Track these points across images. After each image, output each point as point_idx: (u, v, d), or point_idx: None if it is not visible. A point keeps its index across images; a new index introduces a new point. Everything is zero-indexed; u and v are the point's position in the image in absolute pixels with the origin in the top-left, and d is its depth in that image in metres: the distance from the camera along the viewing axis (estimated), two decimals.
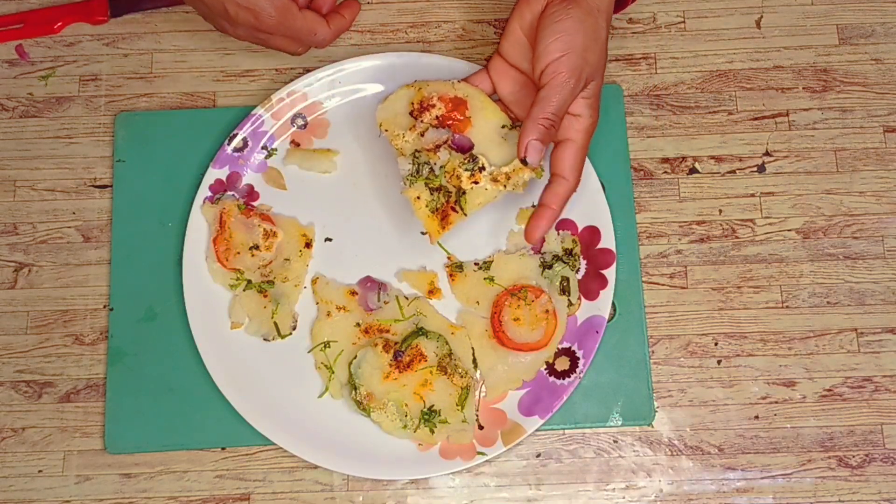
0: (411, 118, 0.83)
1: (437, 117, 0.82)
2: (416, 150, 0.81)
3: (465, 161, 0.80)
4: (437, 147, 0.81)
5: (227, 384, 0.82)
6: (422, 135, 0.82)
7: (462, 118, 0.82)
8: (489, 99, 0.83)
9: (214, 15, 0.82)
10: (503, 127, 0.82)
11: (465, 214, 0.80)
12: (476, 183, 0.80)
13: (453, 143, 0.81)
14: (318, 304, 0.85)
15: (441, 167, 0.81)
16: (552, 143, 0.80)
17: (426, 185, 0.81)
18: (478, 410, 0.82)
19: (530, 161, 0.77)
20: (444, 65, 0.88)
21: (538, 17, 0.79)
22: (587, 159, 0.83)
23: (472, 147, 0.81)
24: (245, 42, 0.85)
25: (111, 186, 0.89)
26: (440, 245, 0.86)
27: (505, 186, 0.80)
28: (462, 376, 0.82)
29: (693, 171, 0.88)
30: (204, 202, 0.86)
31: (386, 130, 0.83)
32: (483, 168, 0.80)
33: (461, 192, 0.80)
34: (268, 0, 0.80)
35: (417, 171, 0.81)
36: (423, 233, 0.84)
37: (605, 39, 0.79)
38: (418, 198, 0.81)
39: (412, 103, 0.83)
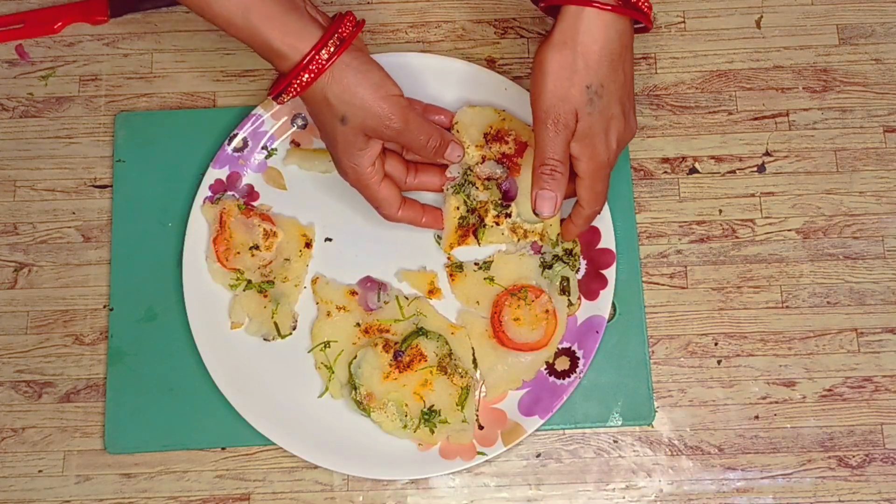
0: (481, 137, 0.85)
1: (503, 153, 0.85)
2: (468, 168, 0.84)
3: (499, 201, 0.84)
4: (488, 179, 0.84)
5: (227, 384, 0.82)
6: (483, 159, 0.85)
7: (518, 161, 0.85)
8: None
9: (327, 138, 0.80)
10: None
11: (479, 243, 0.85)
12: (497, 224, 0.84)
13: (501, 184, 0.84)
14: (318, 304, 0.85)
15: (478, 194, 0.84)
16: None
17: (465, 201, 0.84)
18: (478, 410, 0.82)
19: (541, 212, 0.77)
20: (444, 65, 0.88)
21: None
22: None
23: (513, 198, 0.84)
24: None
25: (111, 186, 0.89)
26: (437, 244, 0.86)
27: (518, 240, 0.84)
28: (462, 376, 0.82)
29: (693, 171, 0.88)
30: (204, 202, 0.86)
31: (457, 131, 0.85)
32: (509, 215, 0.84)
33: (483, 223, 0.84)
34: (347, 161, 0.78)
35: (461, 186, 0.84)
36: (438, 237, 0.86)
37: (582, 74, 0.74)
38: (457, 208, 0.84)
39: (491, 127, 0.85)
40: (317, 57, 0.74)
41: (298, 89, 0.75)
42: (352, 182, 0.80)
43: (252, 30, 0.74)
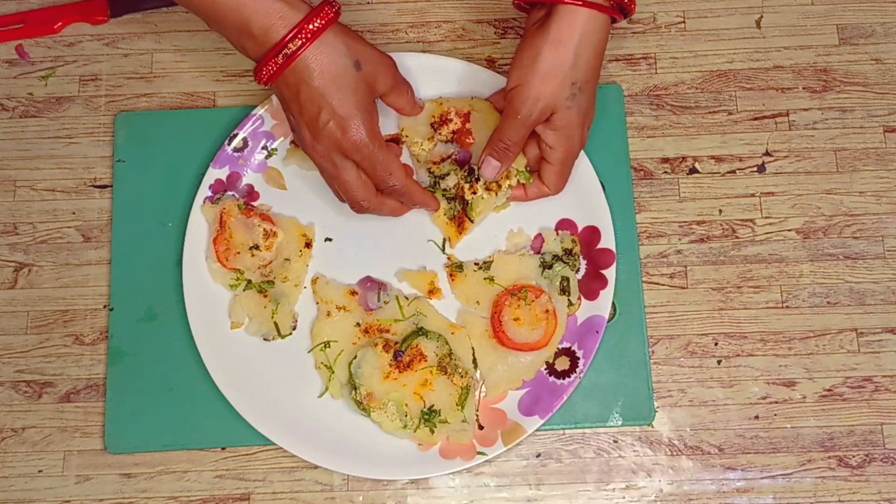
0: (430, 129, 0.86)
1: (452, 132, 0.86)
2: (430, 163, 0.86)
3: (465, 174, 0.85)
4: (443, 160, 0.85)
5: (227, 384, 0.82)
6: (434, 146, 0.86)
7: (466, 129, 0.86)
8: (496, 112, 0.86)
9: (302, 119, 0.78)
10: None
11: (472, 221, 0.85)
12: (475, 193, 0.84)
13: (457, 156, 0.85)
14: (318, 304, 0.85)
15: (445, 177, 0.85)
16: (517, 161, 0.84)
17: (443, 195, 0.85)
18: (478, 410, 0.82)
19: (484, 175, 0.83)
20: (444, 65, 0.88)
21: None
22: (587, 159, 0.85)
23: (469, 160, 0.85)
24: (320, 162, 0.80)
25: (111, 186, 0.89)
26: (437, 244, 0.86)
27: (497, 194, 0.84)
28: (462, 376, 0.82)
29: (693, 171, 0.88)
30: (204, 202, 0.86)
31: (406, 136, 0.86)
32: (479, 179, 0.84)
33: (465, 203, 0.85)
34: (364, 113, 0.77)
35: (435, 184, 0.85)
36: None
37: (570, 71, 0.77)
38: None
39: (433, 116, 0.86)
40: (325, 8, 0.76)
41: (310, 35, 0.75)
42: (366, 141, 0.77)
43: (240, 5, 0.75)
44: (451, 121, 0.86)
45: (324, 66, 0.75)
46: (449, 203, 0.85)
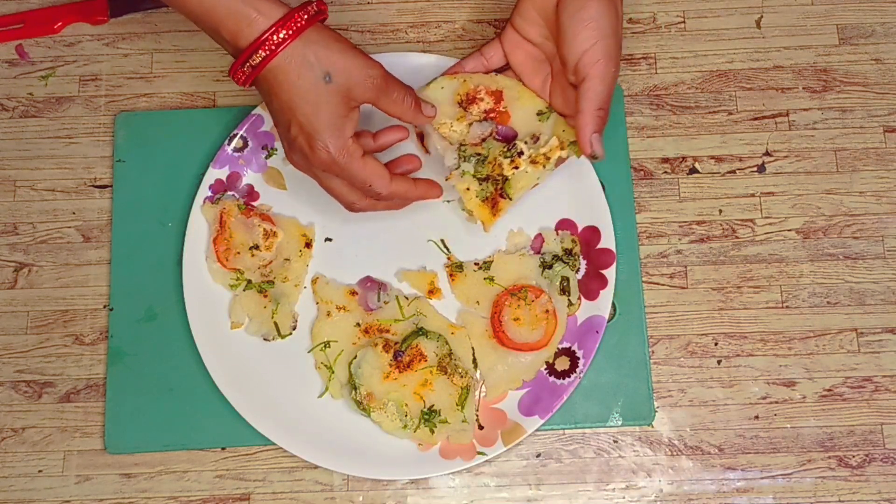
0: (456, 108, 0.83)
1: (485, 111, 0.84)
2: (461, 144, 0.83)
3: (505, 149, 0.82)
4: (483, 140, 0.83)
5: (227, 384, 0.82)
6: (469, 127, 0.83)
7: (502, 110, 0.84)
8: (524, 88, 0.84)
9: (278, 129, 0.77)
10: (539, 113, 0.83)
11: (511, 199, 0.82)
12: (517, 168, 0.82)
13: (499, 134, 0.83)
14: (318, 304, 0.85)
15: (485, 158, 0.82)
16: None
17: (474, 176, 0.82)
18: (478, 410, 0.82)
19: (597, 153, 0.78)
20: (444, 65, 0.88)
21: (554, 4, 0.78)
22: (587, 159, 0.84)
23: (516, 136, 0.83)
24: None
25: (111, 186, 0.89)
26: (437, 244, 0.86)
27: (544, 166, 0.82)
28: (462, 376, 0.82)
29: (693, 171, 0.88)
30: (204, 202, 0.86)
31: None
32: (521, 153, 0.82)
33: (504, 179, 0.82)
34: (329, 131, 0.74)
35: (462, 167, 0.82)
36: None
37: (622, 17, 0.78)
38: (468, 189, 0.82)
39: (459, 94, 0.83)
40: (295, 16, 0.72)
41: (273, 47, 0.72)
42: (334, 159, 0.75)
43: (212, 7, 0.72)
44: (481, 99, 0.83)
45: (291, 78, 0.73)
46: (481, 184, 0.82)
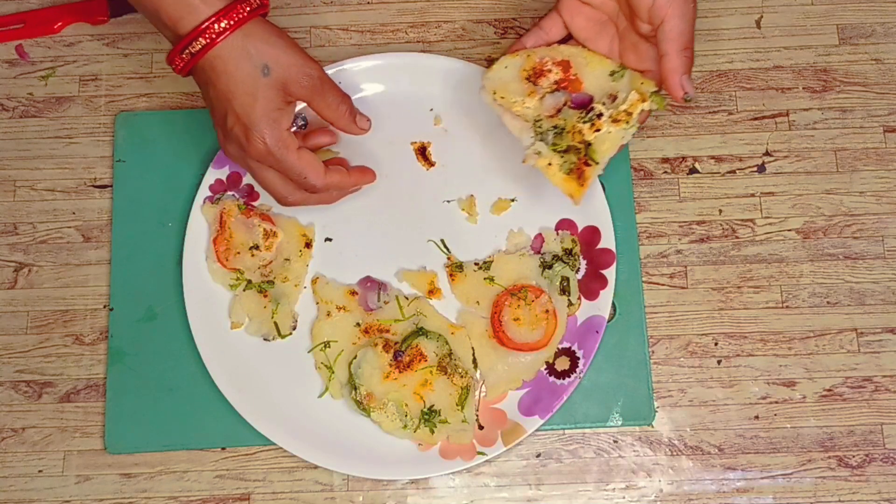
0: (525, 84, 0.81)
1: (555, 82, 0.81)
2: (535, 120, 0.80)
3: (582, 115, 0.79)
4: (558, 111, 0.80)
5: (227, 384, 0.82)
6: (542, 99, 0.81)
7: (573, 78, 0.81)
8: (591, 52, 0.82)
9: (214, 119, 0.77)
10: (611, 73, 0.81)
11: (598, 163, 0.79)
12: (598, 130, 0.79)
13: (574, 102, 0.80)
14: (318, 304, 0.85)
15: (563, 129, 0.79)
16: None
17: (553, 150, 0.79)
18: (478, 410, 0.82)
19: (690, 93, 0.76)
20: (444, 65, 0.88)
21: None
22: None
23: (592, 101, 0.80)
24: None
25: (111, 186, 0.89)
26: (437, 244, 0.86)
27: (628, 123, 0.79)
28: (462, 376, 0.82)
29: (693, 171, 0.88)
30: (204, 202, 0.86)
31: (503, 98, 0.81)
32: (601, 115, 0.79)
33: (588, 146, 0.79)
34: (266, 122, 0.74)
35: (542, 139, 0.80)
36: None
37: None
38: (550, 164, 0.79)
39: (525, 69, 0.82)
40: (238, 7, 0.73)
41: (214, 36, 0.72)
42: (270, 150, 0.75)
43: None
44: (549, 71, 0.81)
45: (229, 68, 0.73)
46: (563, 157, 0.78)
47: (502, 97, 0.81)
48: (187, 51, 0.73)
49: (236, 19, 0.73)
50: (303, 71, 0.75)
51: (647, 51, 0.79)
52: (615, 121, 0.79)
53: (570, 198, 0.79)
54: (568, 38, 0.83)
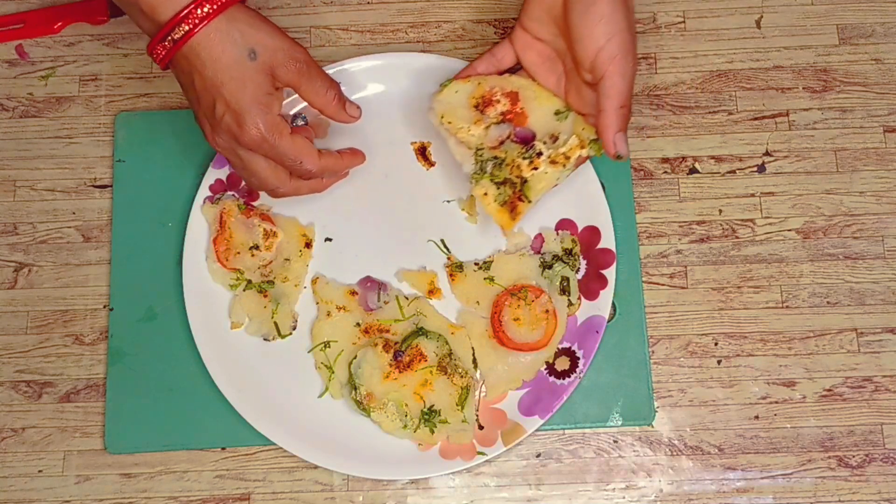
0: (472, 112, 0.82)
1: (501, 113, 0.82)
2: (478, 148, 0.81)
3: (523, 150, 0.80)
4: (501, 143, 0.81)
5: (227, 384, 0.82)
6: (487, 130, 0.82)
7: (519, 111, 0.82)
8: (540, 87, 0.82)
9: (200, 110, 0.75)
10: (556, 113, 0.82)
11: (531, 201, 0.80)
12: (536, 169, 0.80)
13: (517, 136, 0.81)
14: (318, 304, 0.85)
15: (503, 161, 0.81)
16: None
17: (491, 180, 0.80)
18: (478, 410, 0.82)
19: (621, 152, 0.76)
20: (444, 65, 0.88)
21: (562, 2, 0.77)
22: (588, 161, 0.84)
23: (534, 138, 0.81)
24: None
25: (111, 186, 0.89)
26: (437, 244, 0.86)
27: (564, 166, 0.80)
28: (462, 376, 0.82)
29: (693, 171, 0.88)
30: (204, 202, 0.86)
31: (449, 123, 0.82)
32: (540, 153, 0.80)
33: (523, 182, 0.80)
34: (258, 108, 0.73)
35: (481, 169, 0.81)
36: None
37: (633, 9, 0.76)
38: (486, 194, 0.80)
39: (474, 97, 0.82)
40: None
41: (197, 21, 0.70)
42: (264, 136, 0.73)
43: None
44: (497, 101, 0.82)
45: (215, 54, 0.71)
46: (499, 188, 0.80)
47: (449, 122, 0.82)
48: (169, 38, 0.71)
49: (219, 3, 0.71)
50: (290, 55, 0.74)
51: (589, 96, 0.78)
52: (553, 162, 0.80)
53: (501, 228, 0.81)
54: (519, 67, 0.84)
